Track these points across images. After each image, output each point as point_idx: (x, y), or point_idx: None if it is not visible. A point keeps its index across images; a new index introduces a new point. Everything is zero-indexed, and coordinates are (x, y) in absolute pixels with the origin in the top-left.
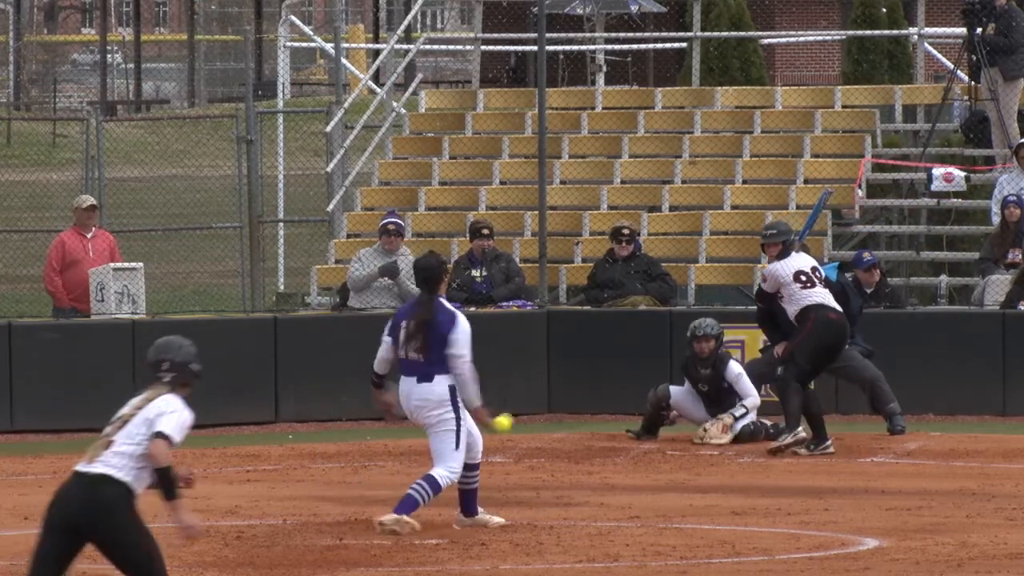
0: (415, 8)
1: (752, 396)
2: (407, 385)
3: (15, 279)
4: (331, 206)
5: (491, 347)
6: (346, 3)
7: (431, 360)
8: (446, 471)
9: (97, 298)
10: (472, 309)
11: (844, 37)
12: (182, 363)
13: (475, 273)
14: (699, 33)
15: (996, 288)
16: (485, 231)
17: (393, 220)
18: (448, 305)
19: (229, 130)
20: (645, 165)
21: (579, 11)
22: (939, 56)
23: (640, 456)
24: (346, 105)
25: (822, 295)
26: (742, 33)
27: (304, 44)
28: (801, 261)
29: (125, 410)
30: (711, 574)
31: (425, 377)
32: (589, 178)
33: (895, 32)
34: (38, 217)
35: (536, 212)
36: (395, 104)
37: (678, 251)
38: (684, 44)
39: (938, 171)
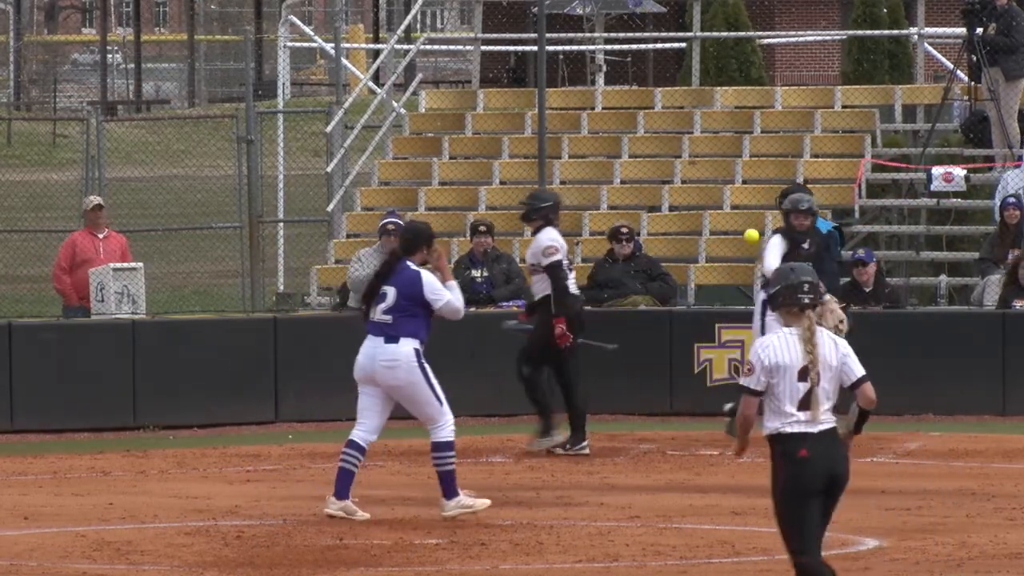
0: (415, 8)
1: None
2: (372, 346)
3: (15, 279)
4: (331, 206)
5: (491, 346)
6: (346, 3)
7: (398, 321)
8: (446, 429)
9: (97, 298)
10: (472, 309)
11: (844, 37)
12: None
13: (475, 274)
14: (698, 33)
15: (996, 288)
16: (483, 228)
17: (393, 220)
18: (412, 265)
19: (229, 130)
20: (645, 165)
21: (579, 11)
22: (939, 56)
23: (640, 456)
24: (346, 105)
25: (573, 282)
26: (742, 33)
27: (304, 44)
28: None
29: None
30: (711, 574)
31: (391, 339)
32: (589, 178)
33: (895, 32)
34: (38, 217)
35: None
36: (395, 104)
37: (678, 251)
38: (683, 44)
39: (938, 171)
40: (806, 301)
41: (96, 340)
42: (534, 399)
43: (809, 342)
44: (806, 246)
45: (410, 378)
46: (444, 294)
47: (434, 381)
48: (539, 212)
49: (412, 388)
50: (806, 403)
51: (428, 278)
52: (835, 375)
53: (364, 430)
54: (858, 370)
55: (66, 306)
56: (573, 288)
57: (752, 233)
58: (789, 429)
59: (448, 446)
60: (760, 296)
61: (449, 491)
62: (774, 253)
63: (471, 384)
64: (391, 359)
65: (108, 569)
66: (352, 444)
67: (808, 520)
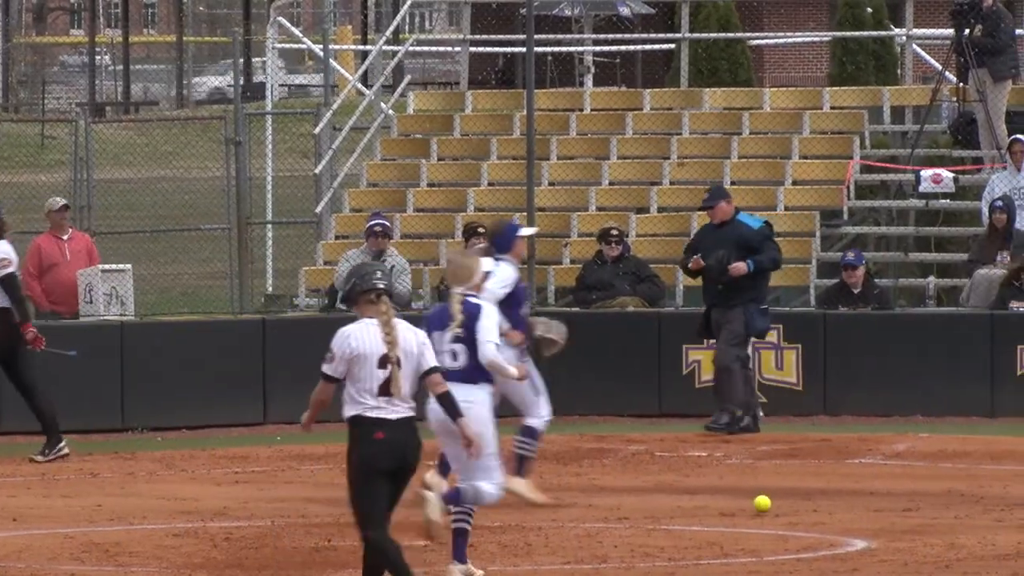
0: (403, 10)
1: None
2: None
3: None
4: (319, 208)
5: None
6: (334, 5)
7: None
8: None
9: (86, 300)
10: None
11: (832, 38)
12: None
13: None
14: (687, 34)
15: (985, 286)
16: (481, 230)
17: (379, 222)
18: None
19: (218, 132)
20: (633, 167)
21: (567, 13)
22: (927, 57)
23: (629, 457)
24: (335, 107)
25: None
26: (730, 34)
27: (292, 46)
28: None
29: None
30: (699, 575)
31: None
32: (577, 179)
33: (884, 33)
34: (26, 219)
35: (524, 214)
36: (383, 106)
37: (666, 252)
38: (672, 46)
39: (926, 173)
40: (381, 286)
41: (84, 342)
42: (37, 410)
43: (388, 328)
44: None
45: None
46: None
47: None
48: None
49: None
50: (386, 389)
51: None
52: (414, 362)
53: None
54: (431, 361)
55: (39, 312)
56: None
57: (763, 501)
58: (368, 414)
59: None
60: None
61: None
62: None
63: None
64: None
65: (96, 571)
66: None
67: (376, 498)
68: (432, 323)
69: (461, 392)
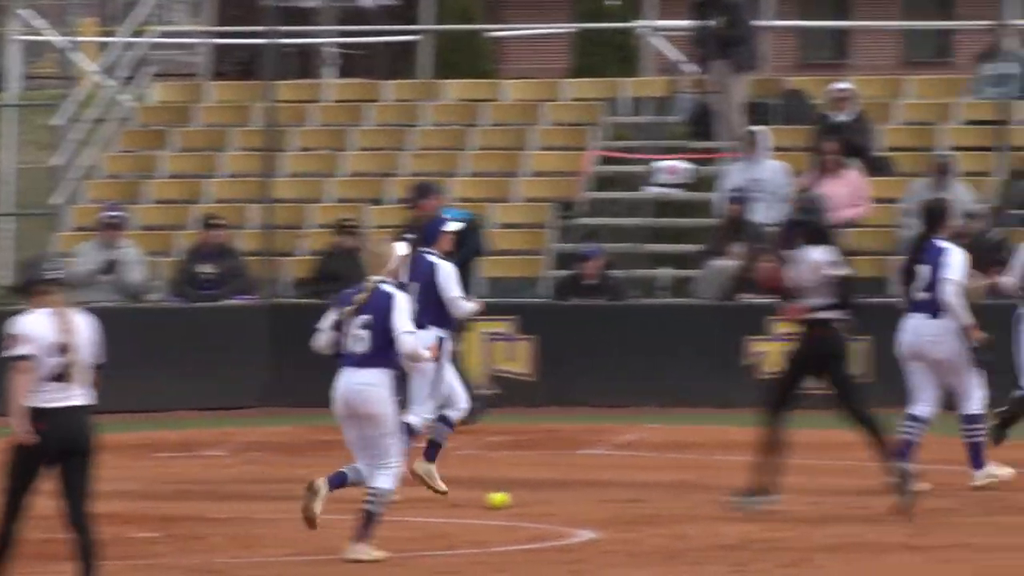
0: (145, 1)
1: None
2: (914, 324)
3: None
4: (56, 199)
5: (213, 340)
6: None
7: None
8: (975, 402)
9: None
10: (196, 304)
11: (575, 30)
12: None
13: (202, 268)
14: (429, 26)
15: (717, 278)
16: (216, 222)
17: (112, 214)
18: (940, 243)
19: None
20: (371, 158)
21: (309, 3)
22: (667, 49)
23: None
24: (75, 98)
25: None
26: (472, 26)
27: (35, 38)
28: None
29: None
30: (426, 567)
31: (934, 315)
32: (316, 171)
33: (625, 24)
34: None
35: (261, 205)
36: (124, 97)
37: None
38: (417, 37)
39: (663, 164)
40: (51, 276)
41: None
42: None
43: (61, 316)
44: None
45: (951, 355)
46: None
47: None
48: None
49: (955, 363)
50: (59, 376)
51: (956, 257)
52: (89, 351)
53: (924, 403)
54: (96, 358)
55: None
56: None
57: (500, 497)
58: (32, 403)
59: (977, 418)
60: None
61: (978, 463)
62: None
63: (188, 377)
64: (935, 334)
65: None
66: (913, 417)
67: (21, 489)
68: (342, 303)
69: (362, 375)
